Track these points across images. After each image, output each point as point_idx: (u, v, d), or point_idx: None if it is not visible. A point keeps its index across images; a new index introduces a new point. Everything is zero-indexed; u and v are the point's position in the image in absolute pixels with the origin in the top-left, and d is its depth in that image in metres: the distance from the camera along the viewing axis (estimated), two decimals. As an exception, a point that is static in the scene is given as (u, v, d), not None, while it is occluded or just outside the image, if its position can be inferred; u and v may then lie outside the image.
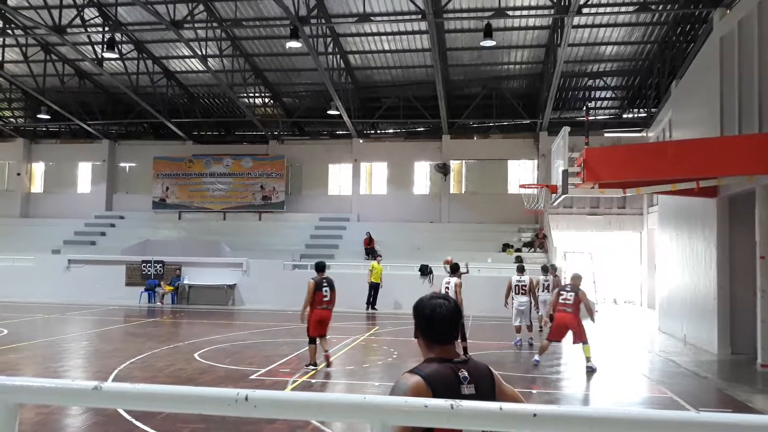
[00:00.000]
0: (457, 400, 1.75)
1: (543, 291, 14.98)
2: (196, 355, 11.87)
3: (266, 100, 27.99)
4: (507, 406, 1.75)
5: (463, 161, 28.18)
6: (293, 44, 20.12)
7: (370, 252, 24.51)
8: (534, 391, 9.24)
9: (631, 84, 25.32)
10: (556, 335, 11.50)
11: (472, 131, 28.51)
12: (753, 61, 11.98)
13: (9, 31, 23.39)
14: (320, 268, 10.73)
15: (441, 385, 2.34)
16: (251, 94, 27.26)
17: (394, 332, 16.07)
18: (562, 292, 11.43)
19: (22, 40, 24.17)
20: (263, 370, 10.49)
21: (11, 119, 31.09)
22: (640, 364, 12.39)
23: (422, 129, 28.71)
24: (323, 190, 29.25)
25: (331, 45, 22.68)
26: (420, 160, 28.31)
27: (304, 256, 24.80)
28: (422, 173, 28.51)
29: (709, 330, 13.53)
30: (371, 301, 21.19)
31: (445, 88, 24.09)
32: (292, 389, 9.16)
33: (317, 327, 10.53)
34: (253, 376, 10.00)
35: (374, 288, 21.18)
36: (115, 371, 10.15)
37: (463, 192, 28.09)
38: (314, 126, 30.14)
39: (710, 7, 16.77)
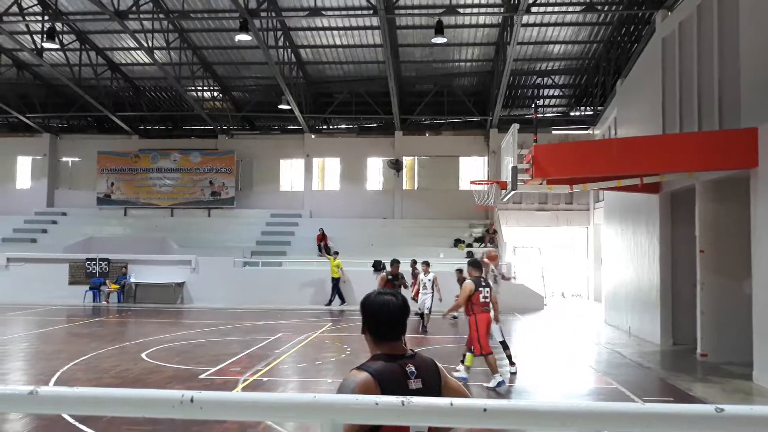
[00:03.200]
0: (408, 397, 1.74)
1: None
2: (143, 355, 11.58)
3: (215, 94, 27.47)
4: (457, 401, 1.75)
5: (416, 157, 28.33)
6: (243, 37, 19.80)
7: (324, 248, 24.40)
8: (485, 385, 9.36)
9: (578, 83, 25.93)
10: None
11: (425, 128, 28.69)
12: (693, 61, 12.42)
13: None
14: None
15: (389, 381, 2.34)
16: (200, 88, 26.69)
17: (348, 328, 16.05)
18: (481, 288, 9.40)
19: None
20: (213, 370, 10.31)
21: (-57, 111, 29.61)
22: (587, 356, 12.72)
23: (375, 125, 28.71)
24: (275, 185, 28.93)
25: (282, 39, 22.42)
26: (373, 156, 28.32)
27: (255, 252, 24.52)
28: (375, 169, 28.52)
29: (652, 322, 14.00)
30: (340, 297, 21.10)
31: (398, 84, 24.14)
32: (243, 388, 9.04)
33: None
34: (202, 376, 9.82)
35: (336, 283, 21.12)
36: (58, 373, 9.81)
37: (415, 188, 28.25)
38: (265, 121, 29.77)
39: (653, 8, 17.30)
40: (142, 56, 24.23)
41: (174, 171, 28.43)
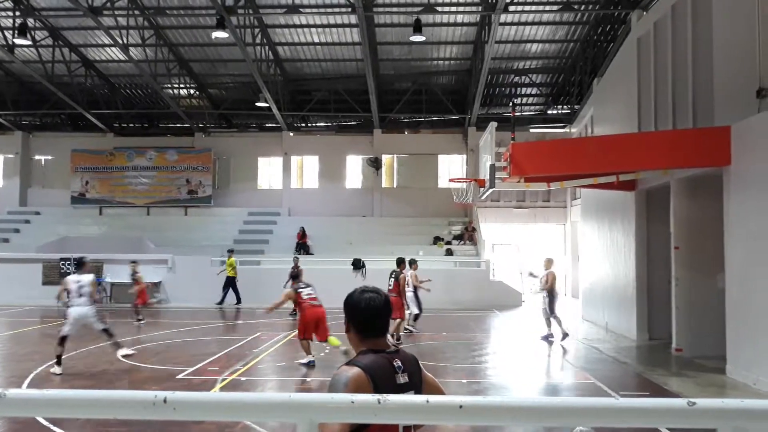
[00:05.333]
0: (384, 395, 1.74)
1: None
2: (119, 356, 11.43)
3: (192, 92, 27.18)
4: (433, 398, 1.75)
5: (395, 155, 28.33)
6: (219, 34, 19.61)
7: (302, 247, 24.30)
8: (464, 381, 9.40)
9: (556, 81, 26.14)
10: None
11: (403, 126, 28.70)
12: (667, 60, 12.60)
13: None
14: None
15: (379, 375, 2.39)
16: (176, 85, 26.39)
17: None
18: (301, 290, 11.03)
19: None
20: (190, 369, 10.22)
21: None
22: (564, 352, 12.84)
23: (353, 123, 28.66)
24: (252, 183, 28.72)
25: (260, 36, 22.26)
26: (351, 153, 28.26)
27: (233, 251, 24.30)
28: (354, 167, 28.48)
29: (628, 317, 14.19)
30: (236, 296, 21.02)
31: (376, 82, 24.12)
32: (221, 388, 8.97)
33: None
34: (179, 376, 9.73)
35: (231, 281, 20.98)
36: (31, 375, 9.65)
37: (394, 186, 28.25)
38: (242, 118, 29.54)
39: (629, 8, 17.50)
40: (117, 53, 23.88)
41: (150, 169, 28.09)
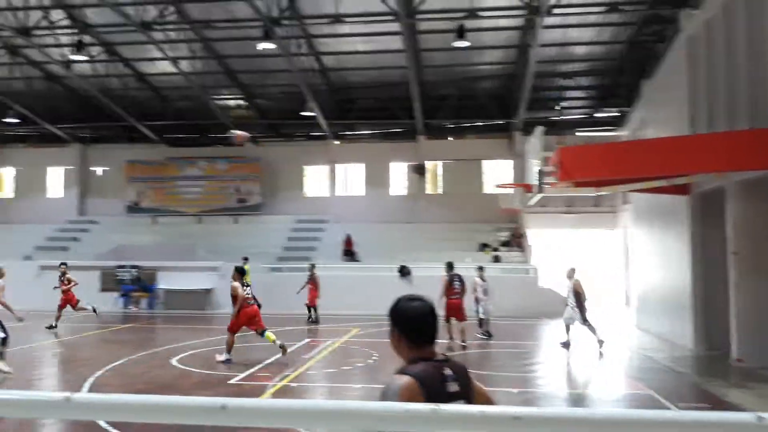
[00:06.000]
0: (439, 405, 1.74)
1: None
2: (173, 361, 11.71)
3: (240, 102, 27.76)
4: (488, 409, 1.74)
5: (439, 162, 28.26)
6: (266, 45, 19.99)
7: (349, 254, 24.45)
8: (514, 391, 9.28)
9: (602, 83, 25.64)
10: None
11: (447, 132, 28.61)
12: (720, 59, 12.21)
13: (-26, 34, 22.86)
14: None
15: (430, 384, 2.38)
16: (224, 96, 27.00)
17: (373, 334, 16.03)
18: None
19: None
20: (242, 375, 10.38)
21: (-23, 124, 30.34)
22: (618, 361, 12.53)
23: (398, 130, 28.72)
24: (299, 191, 29.10)
25: (305, 46, 22.58)
26: (396, 160, 28.33)
27: (281, 258, 24.67)
28: (399, 174, 28.53)
29: (684, 326, 13.74)
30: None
31: (420, 89, 24.13)
32: (272, 394, 9.09)
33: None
34: (231, 381, 9.90)
35: None
36: (91, 379, 9.97)
37: (439, 192, 28.17)
38: (289, 128, 29.97)
39: (677, 7, 17.04)
40: (167, 66, 24.59)
41: (201, 179, 28.80)
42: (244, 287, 12.21)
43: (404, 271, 21.47)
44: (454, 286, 13.71)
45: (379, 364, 11.36)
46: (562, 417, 1.70)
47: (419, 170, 27.51)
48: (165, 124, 28.62)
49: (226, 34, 22.62)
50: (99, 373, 10.52)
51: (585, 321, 13.39)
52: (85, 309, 16.77)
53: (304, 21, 20.97)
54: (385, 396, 2.32)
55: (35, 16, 20.42)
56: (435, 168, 28.40)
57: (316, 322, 18.54)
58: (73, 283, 16.73)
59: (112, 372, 10.72)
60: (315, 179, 29.22)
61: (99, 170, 30.36)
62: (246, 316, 11.88)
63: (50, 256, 24.64)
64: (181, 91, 27.35)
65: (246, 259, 22.10)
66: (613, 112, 25.91)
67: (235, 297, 12.05)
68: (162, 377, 10.29)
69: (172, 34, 21.64)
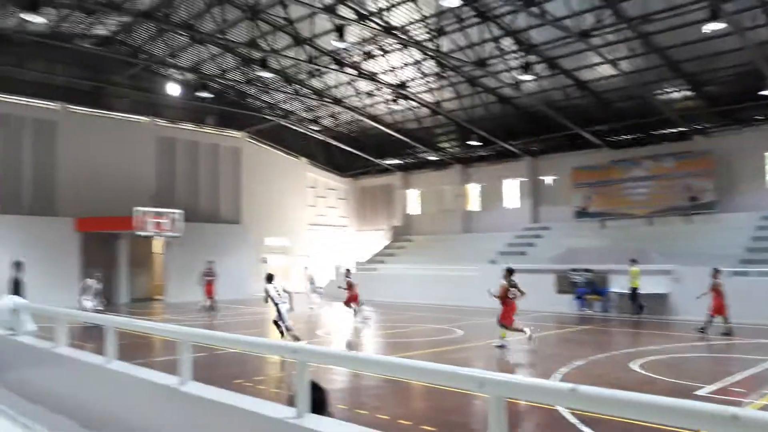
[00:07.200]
0: None
1: None
2: (632, 365, 11.67)
3: (685, 93, 25.88)
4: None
5: None
6: (713, 26, 18.23)
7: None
8: None
9: None
10: None
11: None
12: None
13: (443, 74, 27.28)
14: None
15: None
16: (667, 90, 25.59)
17: None
18: None
19: (453, 79, 27.87)
20: (711, 387, 9.67)
21: (449, 149, 35.94)
22: None
23: None
24: (760, 183, 25.36)
25: (762, 16, 19.69)
26: None
27: (744, 261, 21.89)
28: None
29: None
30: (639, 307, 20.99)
31: None
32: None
33: None
34: (699, 392, 9.32)
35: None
36: (556, 374, 10.70)
37: None
38: (744, 112, 26.49)
39: None
40: (606, 69, 24.71)
41: (647, 179, 27.90)
42: (512, 287, 14.64)
43: None
44: None
45: None
46: None
47: None
48: (607, 128, 28.74)
49: (665, 24, 21.49)
50: (564, 369, 11.21)
51: None
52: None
53: (759, -11, 18.39)
54: None
55: (488, 48, 23.15)
56: None
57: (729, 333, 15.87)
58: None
59: (576, 370, 11.29)
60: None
61: (548, 179, 32.40)
62: (512, 310, 14.38)
63: (511, 260, 27.36)
64: (622, 92, 27.05)
65: (634, 260, 21.31)
66: None
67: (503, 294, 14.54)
68: (625, 381, 10.34)
69: (610, 37, 21.66)
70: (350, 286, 20.77)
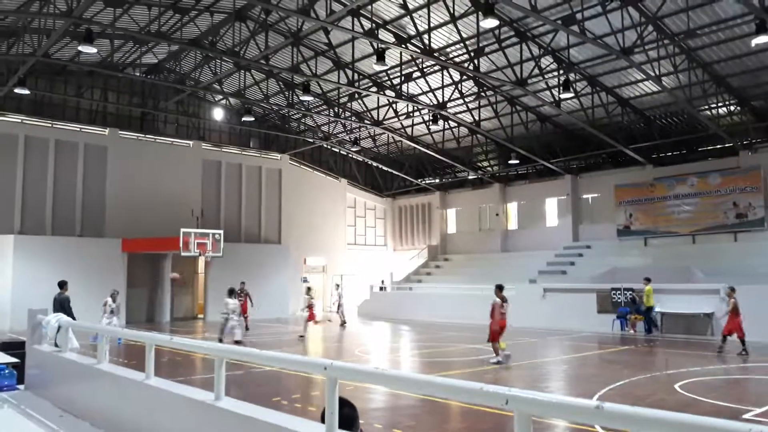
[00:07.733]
0: None
1: None
2: (676, 386, 11.36)
3: (731, 108, 25.29)
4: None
5: None
6: (761, 40, 17.82)
7: None
8: None
9: None
10: None
11: None
12: None
13: (482, 94, 27.32)
14: None
15: None
16: (713, 105, 25.05)
17: None
18: None
19: (492, 99, 27.88)
20: (758, 410, 9.35)
21: (488, 168, 35.83)
22: None
23: None
24: (816, 200, 24.49)
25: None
26: None
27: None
28: None
29: None
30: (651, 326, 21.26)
31: None
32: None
33: None
34: (746, 416, 9.02)
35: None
36: (596, 396, 10.51)
37: None
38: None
39: None
40: (649, 86, 24.36)
41: (692, 196, 27.24)
42: (503, 303, 14.76)
43: None
44: None
45: None
46: None
47: None
48: (650, 145, 28.25)
49: (710, 39, 21.13)
50: (603, 390, 11.00)
51: None
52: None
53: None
54: None
55: (528, 67, 23.10)
56: None
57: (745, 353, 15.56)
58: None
59: (616, 391, 11.05)
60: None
61: (589, 197, 31.93)
62: (501, 328, 14.56)
63: (551, 279, 27.01)
64: (665, 109, 26.63)
65: (648, 279, 21.41)
66: None
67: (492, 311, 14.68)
68: (668, 402, 10.07)
69: (653, 53, 21.37)
70: (310, 307, 22.10)
